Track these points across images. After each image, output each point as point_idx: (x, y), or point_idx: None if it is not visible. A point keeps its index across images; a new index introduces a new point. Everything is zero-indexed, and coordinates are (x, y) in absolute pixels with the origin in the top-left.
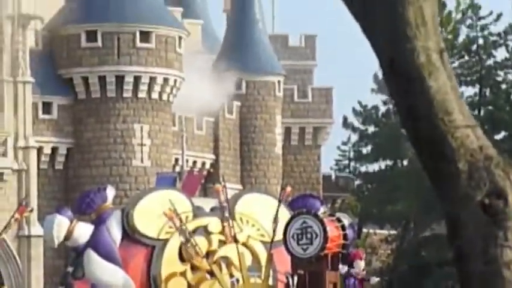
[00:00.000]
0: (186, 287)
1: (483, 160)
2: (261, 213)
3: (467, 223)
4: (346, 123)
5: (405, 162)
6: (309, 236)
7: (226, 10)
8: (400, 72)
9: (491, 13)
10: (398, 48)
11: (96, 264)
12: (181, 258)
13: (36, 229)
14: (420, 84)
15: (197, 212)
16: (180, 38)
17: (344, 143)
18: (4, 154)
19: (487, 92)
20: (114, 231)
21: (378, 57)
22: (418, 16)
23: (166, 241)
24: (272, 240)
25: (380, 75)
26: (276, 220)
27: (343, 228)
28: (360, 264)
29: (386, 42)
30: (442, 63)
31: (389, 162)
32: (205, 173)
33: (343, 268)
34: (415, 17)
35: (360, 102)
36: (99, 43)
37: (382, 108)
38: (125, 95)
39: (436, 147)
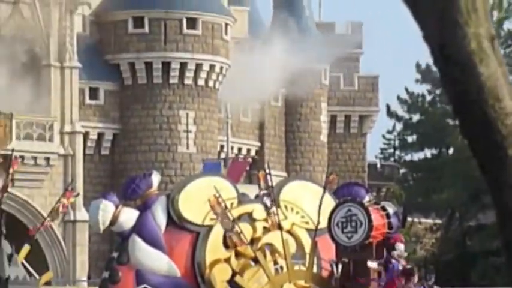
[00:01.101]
0: (230, 273)
1: None
2: (305, 201)
3: None
4: (389, 112)
5: (450, 151)
6: (353, 224)
7: None
8: (451, 58)
9: None
10: (449, 34)
11: (141, 250)
12: (226, 245)
13: (82, 214)
14: (471, 70)
15: (242, 198)
16: (226, 24)
17: (389, 132)
18: (50, 139)
19: None
20: (159, 217)
21: (428, 44)
22: (469, 2)
23: (210, 227)
24: (316, 228)
25: (422, 64)
26: (320, 208)
27: (388, 216)
28: (401, 247)
29: (437, 29)
30: (492, 50)
31: (434, 151)
32: (250, 160)
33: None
34: (466, 4)
35: (406, 89)
36: (146, 29)
37: (428, 97)
38: (171, 81)
39: (486, 134)
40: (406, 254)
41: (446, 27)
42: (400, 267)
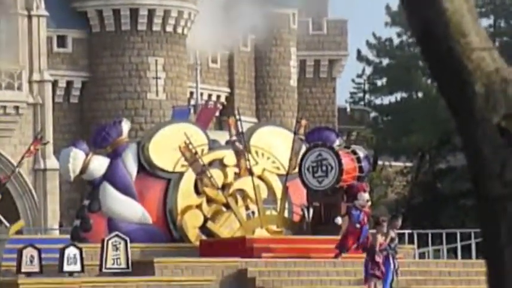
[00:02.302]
0: (202, 219)
1: (499, 82)
2: (276, 146)
3: (484, 146)
4: (360, 56)
5: (420, 94)
6: (324, 168)
7: None
8: None
9: None
10: None
11: (112, 197)
12: (197, 191)
13: (52, 162)
14: (436, 6)
15: (212, 145)
16: None
17: (359, 76)
18: (19, 88)
19: (502, 23)
20: (130, 164)
21: None
22: None
23: (181, 174)
24: (287, 173)
25: (393, 7)
26: (292, 153)
27: (358, 160)
28: (364, 196)
29: None
30: None
31: (404, 94)
32: (219, 106)
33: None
34: None
35: (374, 34)
36: None
37: (396, 41)
38: (139, 28)
39: (452, 70)
40: (369, 203)
41: None
42: (362, 216)
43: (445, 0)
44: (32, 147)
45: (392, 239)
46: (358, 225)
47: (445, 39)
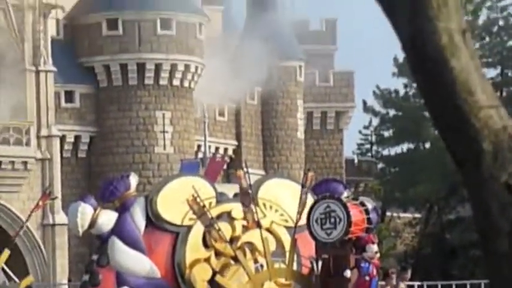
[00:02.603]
0: (210, 273)
1: (507, 140)
2: (284, 199)
3: (492, 204)
4: (366, 107)
5: (427, 145)
6: (332, 220)
7: None
8: (421, 54)
9: None
10: (419, 29)
11: (121, 252)
12: (205, 245)
13: (61, 217)
14: (442, 65)
15: (220, 198)
16: (200, 24)
17: (366, 127)
18: (27, 143)
19: (509, 73)
20: (138, 218)
21: (399, 39)
22: None
23: (190, 227)
24: (296, 225)
25: (400, 58)
26: (300, 205)
27: (366, 212)
28: (373, 248)
29: (407, 24)
30: (464, 43)
31: (411, 145)
32: (227, 159)
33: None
34: None
35: (378, 87)
36: (120, 31)
37: (402, 92)
38: (146, 82)
39: (459, 128)
40: (378, 255)
41: (416, 22)
42: (371, 268)
43: (451, 58)
44: (40, 203)
45: None
46: (367, 278)
47: (452, 98)
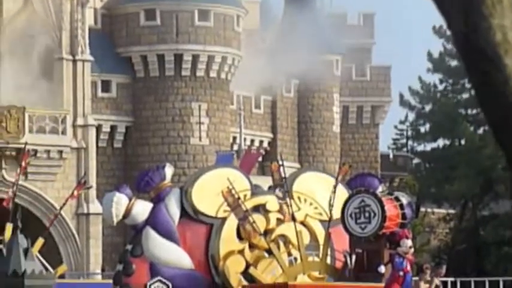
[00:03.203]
0: (244, 265)
1: None
2: (318, 192)
3: None
4: (403, 102)
5: (463, 141)
6: (367, 214)
7: None
8: (475, 50)
9: None
10: (473, 26)
11: (155, 242)
12: (239, 237)
13: (95, 207)
14: (496, 62)
15: (255, 190)
16: (238, 16)
17: (401, 122)
18: (63, 132)
19: None
20: (173, 209)
21: (452, 35)
22: None
23: (224, 219)
24: (330, 219)
25: (434, 54)
26: (333, 199)
27: (401, 207)
28: (407, 243)
29: (461, 20)
30: None
31: (447, 141)
32: (262, 151)
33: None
34: None
35: (420, 78)
36: (158, 21)
37: (440, 87)
38: (183, 73)
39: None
40: (412, 250)
41: (470, 19)
42: (405, 263)
43: (505, 56)
44: (75, 192)
45: (436, 287)
46: (401, 273)
47: (505, 95)
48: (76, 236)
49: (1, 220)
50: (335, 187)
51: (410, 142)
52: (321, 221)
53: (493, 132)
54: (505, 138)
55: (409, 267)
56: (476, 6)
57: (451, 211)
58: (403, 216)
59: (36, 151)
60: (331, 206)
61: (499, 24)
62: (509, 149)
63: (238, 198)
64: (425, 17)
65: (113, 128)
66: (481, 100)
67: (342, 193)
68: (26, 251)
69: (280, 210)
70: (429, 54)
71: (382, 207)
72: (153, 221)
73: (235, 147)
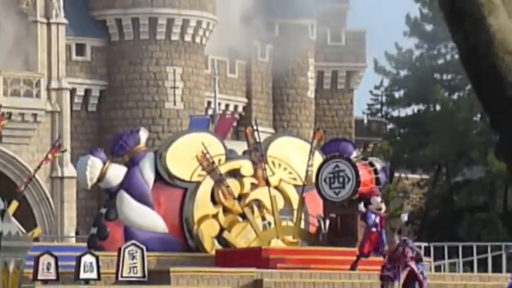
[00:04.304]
0: (218, 229)
1: None
2: (293, 157)
3: None
4: (377, 67)
5: (438, 107)
6: (341, 179)
7: None
8: (460, 11)
9: None
10: None
11: (129, 206)
12: (214, 201)
13: (69, 170)
14: (481, 23)
15: (230, 155)
16: None
17: (376, 87)
18: (37, 95)
19: None
20: (147, 173)
21: None
22: None
23: (198, 183)
24: (304, 184)
25: (412, 17)
26: (312, 160)
27: (375, 172)
28: (377, 200)
29: None
30: (502, 2)
31: (421, 107)
32: (237, 116)
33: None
34: None
35: (396, 44)
36: None
37: (416, 52)
38: (158, 37)
39: (495, 87)
40: (383, 206)
41: None
42: (377, 219)
43: (489, 17)
44: (49, 155)
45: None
46: (374, 229)
47: (489, 57)
48: (50, 199)
49: None
50: (312, 152)
51: (384, 108)
52: (295, 186)
53: (476, 95)
54: (487, 99)
55: (383, 223)
56: None
57: (425, 176)
58: (377, 181)
59: (10, 114)
60: (310, 168)
61: None
62: (493, 112)
63: (213, 162)
64: None
65: (87, 91)
66: (465, 60)
67: (317, 158)
68: (3, 213)
69: (255, 175)
70: (407, 17)
71: (356, 172)
72: (128, 184)
73: (210, 112)
